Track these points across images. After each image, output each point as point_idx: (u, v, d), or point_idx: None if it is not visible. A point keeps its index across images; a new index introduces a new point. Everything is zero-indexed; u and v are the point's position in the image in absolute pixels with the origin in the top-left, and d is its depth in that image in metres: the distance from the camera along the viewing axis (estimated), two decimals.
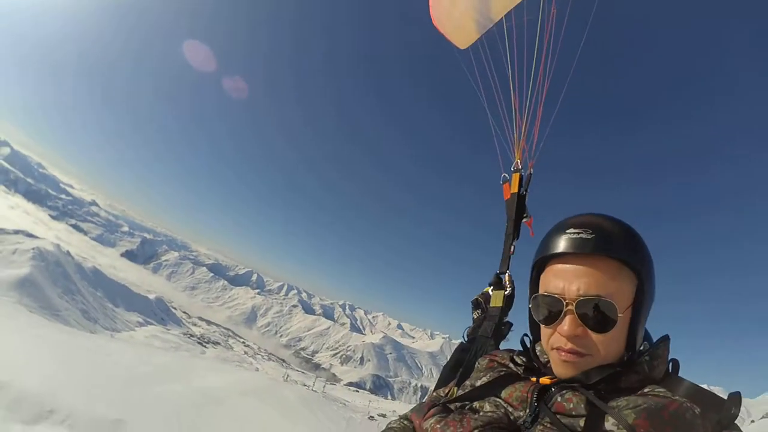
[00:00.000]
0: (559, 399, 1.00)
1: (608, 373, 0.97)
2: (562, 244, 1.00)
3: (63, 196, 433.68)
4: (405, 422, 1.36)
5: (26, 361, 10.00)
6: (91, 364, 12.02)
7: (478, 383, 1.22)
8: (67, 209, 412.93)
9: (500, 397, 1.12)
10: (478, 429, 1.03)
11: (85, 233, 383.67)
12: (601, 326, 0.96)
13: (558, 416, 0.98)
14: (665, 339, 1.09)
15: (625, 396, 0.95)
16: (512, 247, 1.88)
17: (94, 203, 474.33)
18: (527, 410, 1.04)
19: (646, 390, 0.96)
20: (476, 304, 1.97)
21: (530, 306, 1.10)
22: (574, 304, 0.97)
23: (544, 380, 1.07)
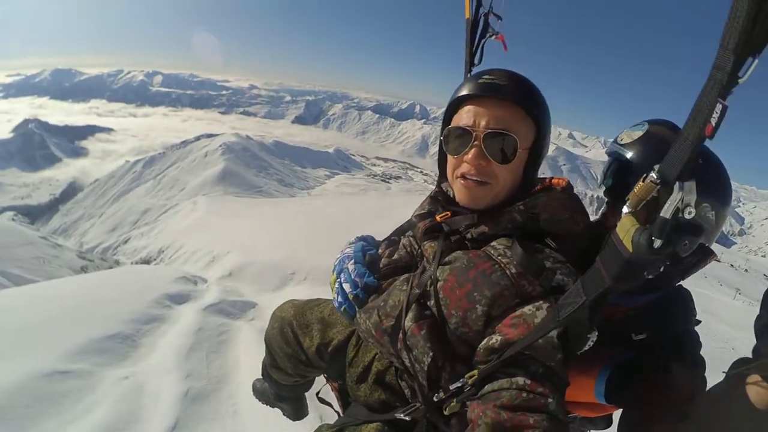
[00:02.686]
0: (425, 245, 1.18)
1: (469, 222, 1.11)
2: (478, 87, 1.08)
3: (223, 92, 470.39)
4: None
5: (256, 240, 12.83)
6: (308, 223, 15.04)
7: (413, 215, 1.34)
8: (232, 101, 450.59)
9: (414, 233, 1.29)
10: (384, 268, 1.23)
11: (255, 115, 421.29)
12: (502, 158, 1.06)
13: (425, 258, 1.17)
14: (548, 189, 1.14)
15: (470, 249, 1.09)
16: (469, 75, 1.59)
17: (252, 87, 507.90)
18: (419, 247, 1.22)
19: (492, 243, 1.06)
20: None
21: (441, 139, 1.17)
22: (482, 135, 1.06)
23: (438, 217, 1.19)
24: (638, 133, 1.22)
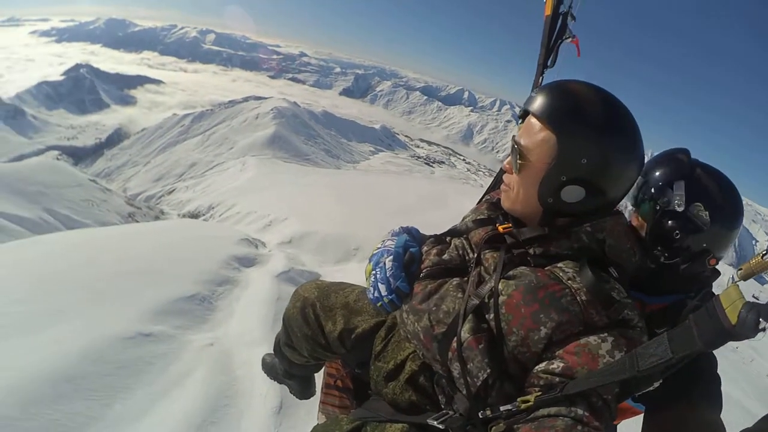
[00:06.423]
0: (485, 254, 1.13)
1: (537, 233, 1.07)
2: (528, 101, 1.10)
3: (274, 56, 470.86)
4: None
5: (314, 209, 12.36)
6: (365, 200, 14.57)
7: (468, 218, 1.31)
8: (281, 66, 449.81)
9: (468, 237, 1.24)
10: (429, 266, 1.18)
11: (303, 83, 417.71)
12: (515, 166, 1.08)
13: (482, 268, 1.12)
14: (617, 214, 1.11)
15: (535, 267, 1.05)
16: (541, 78, 1.63)
17: (302, 54, 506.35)
18: (475, 254, 1.17)
19: (559, 264, 1.02)
20: None
21: None
22: (512, 145, 1.10)
23: (500, 227, 1.16)
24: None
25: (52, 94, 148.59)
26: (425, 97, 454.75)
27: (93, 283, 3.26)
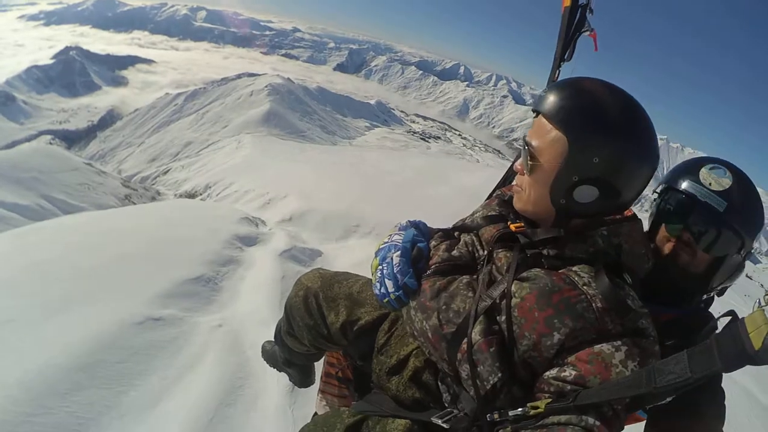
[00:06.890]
0: (498, 253, 1.10)
1: (553, 234, 1.03)
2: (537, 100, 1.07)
3: (266, 32, 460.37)
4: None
5: (314, 186, 12.21)
6: (365, 176, 14.50)
7: (478, 214, 1.27)
8: (274, 42, 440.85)
9: (478, 234, 1.21)
10: (437, 262, 1.15)
11: (297, 58, 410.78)
12: (526, 167, 1.04)
13: (494, 267, 1.09)
14: (631, 219, 1.09)
15: (550, 269, 1.02)
16: (557, 71, 1.60)
17: (296, 30, 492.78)
18: (486, 252, 1.15)
19: (574, 268, 0.99)
20: None
21: None
22: (523, 146, 1.06)
23: (512, 226, 1.12)
24: (725, 181, 1.18)
25: (42, 78, 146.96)
26: (420, 72, 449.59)
27: (96, 269, 3.19)
